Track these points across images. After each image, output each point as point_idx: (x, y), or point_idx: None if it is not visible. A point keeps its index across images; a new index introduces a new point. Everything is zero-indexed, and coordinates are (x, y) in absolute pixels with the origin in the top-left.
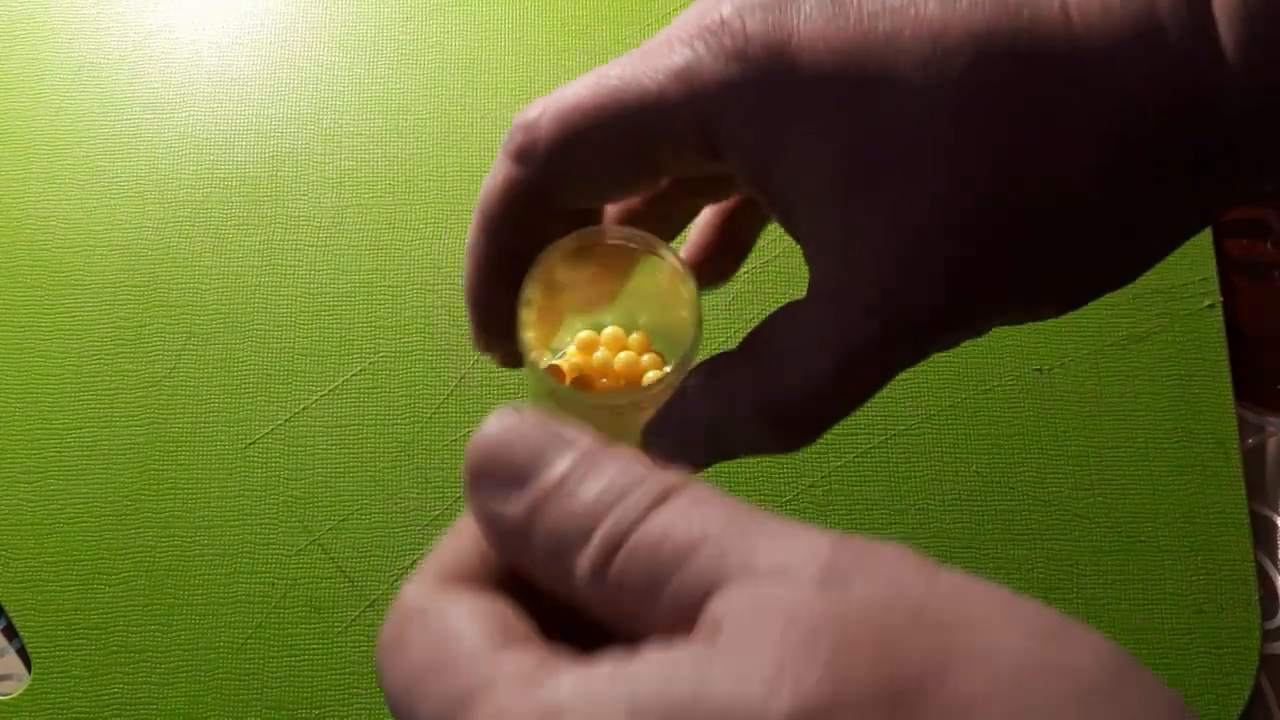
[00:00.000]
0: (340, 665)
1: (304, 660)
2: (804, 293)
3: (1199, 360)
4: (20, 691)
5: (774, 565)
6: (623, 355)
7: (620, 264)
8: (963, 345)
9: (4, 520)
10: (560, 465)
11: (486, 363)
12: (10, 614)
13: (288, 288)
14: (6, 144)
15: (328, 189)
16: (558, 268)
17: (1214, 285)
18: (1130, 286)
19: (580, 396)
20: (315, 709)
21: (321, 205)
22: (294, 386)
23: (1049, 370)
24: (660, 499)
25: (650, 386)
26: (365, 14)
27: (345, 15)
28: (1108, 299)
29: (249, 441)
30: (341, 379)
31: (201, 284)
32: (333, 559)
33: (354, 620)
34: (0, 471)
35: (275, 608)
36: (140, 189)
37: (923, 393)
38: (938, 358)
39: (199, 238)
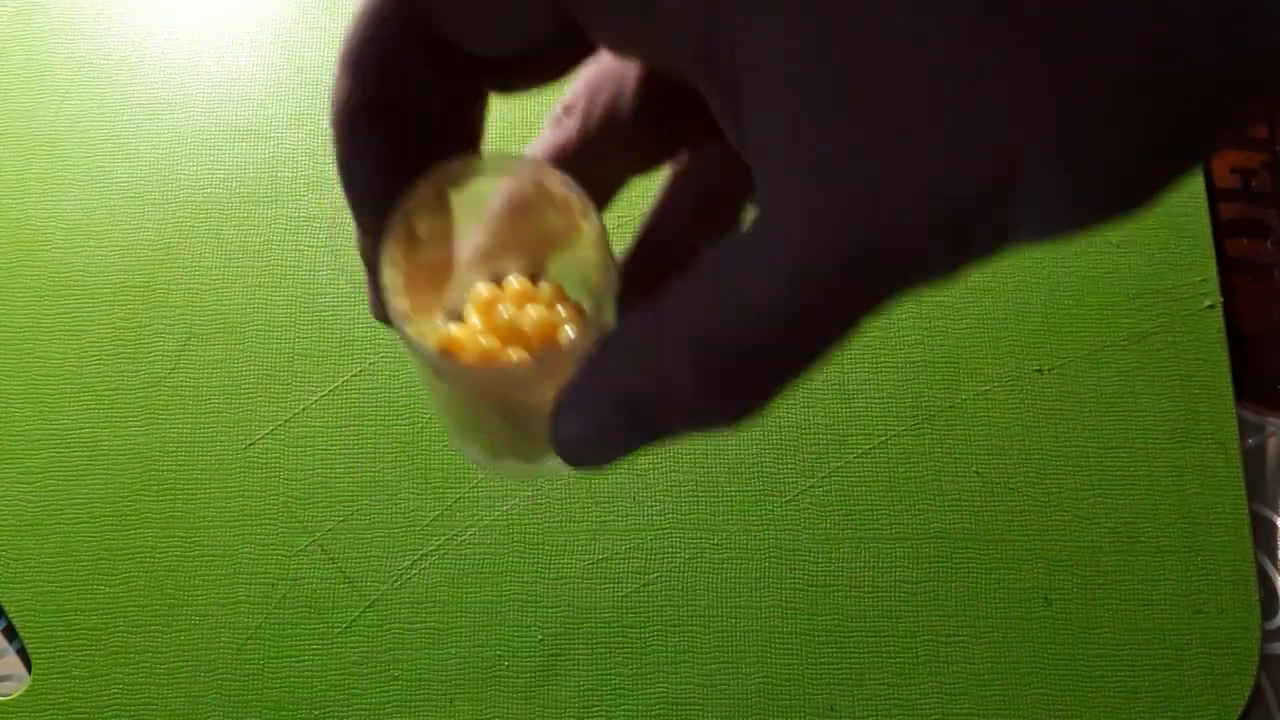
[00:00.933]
0: (340, 666)
1: (304, 661)
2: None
3: (1199, 360)
4: (20, 692)
5: None
6: (532, 313)
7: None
8: (963, 345)
9: (4, 521)
10: None
11: None
12: (10, 614)
13: (287, 288)
14: (6, 144)
15: (327, 189)
16: (423, 217)
17: (1214, 285)
18: (1130, 286)
19: (466, 372)
20: (315, 709)
21: (321, 206)
22: (294, 387)
23: (1049, 370)
24: None
25: (553, 349)
26: None
27: (344, 15)
28: (1108, 299)
29: (249, 442)
30: (341, 380)
31: (201, 285)
32: (333, 560)
33: (354, 621)
34: (0, 472)
35: (275, 608)
36: (140, 189)
37: (922, 393)
38: (938, 357)
39: (199, 238)
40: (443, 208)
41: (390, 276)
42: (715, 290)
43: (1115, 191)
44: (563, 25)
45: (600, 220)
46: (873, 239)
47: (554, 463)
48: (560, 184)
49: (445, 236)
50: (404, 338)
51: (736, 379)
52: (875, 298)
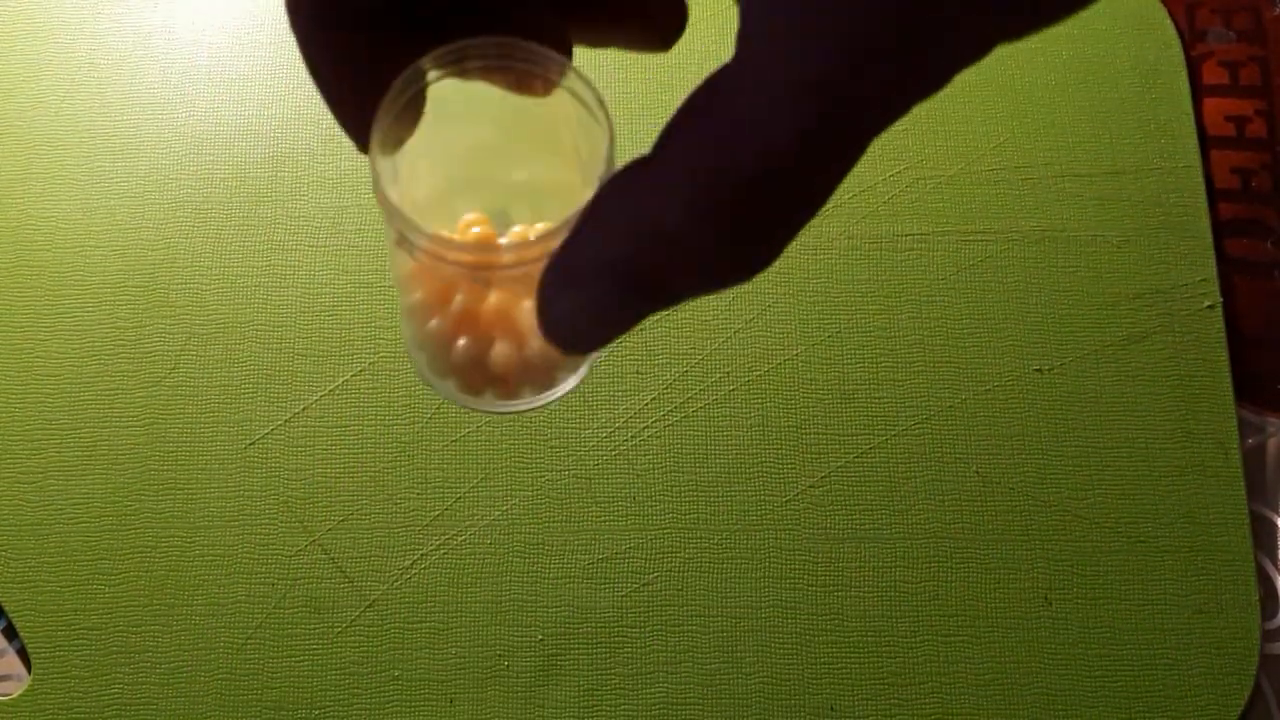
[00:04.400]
0: (340, 665)
1: (304, 661)
2: None
3: (1199, 360)
4: (20, 692)
5: None
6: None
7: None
8: (963, 345)
9: (4, 521)
10: None
11: None
12: (10, 614)
13: (287, 288)
14: (6, 143)
15: (328, 189)
16: (400, 126)
17: (1214, 285)
18: (1130, 286)
19: (451, 247)
20: (315, 709)
21: (321, 206)
22: (294, 387)
23: (1049, 370)
24: None
25: (552, 228)
26: None
27: None
28: (1108, 299)
29: (249, 442)
30: (341, 379)
31: (202, 285)
32: (333, 559)
33: (354, 620)
34: (0, 472)
35: (275, 608)
36: (140, 189)
37: (923, 393)
38: (938, 357)
39: (199, 238)
40: (419, 104)
41: (383, 166)
42: (710, 124)
43: None
44: None
45: (594, 91)
46: (871, 37)
47: (529, 390)
48: (553, 64)
49: (437, 143)
50: (394, 216)
51: (746, 216)
52: (881, 104)
